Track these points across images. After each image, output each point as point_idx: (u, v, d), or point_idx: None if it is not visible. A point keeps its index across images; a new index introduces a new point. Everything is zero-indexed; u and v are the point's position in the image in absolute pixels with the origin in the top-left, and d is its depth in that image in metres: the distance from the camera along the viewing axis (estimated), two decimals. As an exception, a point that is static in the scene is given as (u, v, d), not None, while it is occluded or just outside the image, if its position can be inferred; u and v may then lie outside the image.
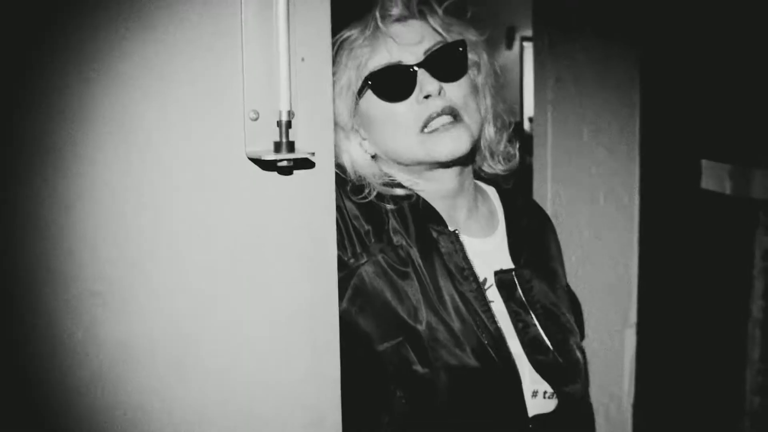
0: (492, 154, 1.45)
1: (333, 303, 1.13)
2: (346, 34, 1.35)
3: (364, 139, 1.38)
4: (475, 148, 1.38)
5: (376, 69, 1.31)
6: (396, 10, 1.33)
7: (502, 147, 1.46)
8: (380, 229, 1.30)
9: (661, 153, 2.08)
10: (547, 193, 2.46)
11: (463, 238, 1.35)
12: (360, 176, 1.35)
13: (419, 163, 1.34)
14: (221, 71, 1.00)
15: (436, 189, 1.38)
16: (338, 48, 1.35)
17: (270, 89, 1.02)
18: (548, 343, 1.34)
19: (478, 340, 1.26)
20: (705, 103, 1.89)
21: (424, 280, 1.28)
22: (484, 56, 1.42)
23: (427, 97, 1.30)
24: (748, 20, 1.73)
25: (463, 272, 1.31)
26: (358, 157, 1.37)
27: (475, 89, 1.38)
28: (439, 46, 1.33)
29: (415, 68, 1.30)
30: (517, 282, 1.36)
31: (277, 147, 1.00)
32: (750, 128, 1.72)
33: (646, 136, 2.13)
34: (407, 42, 1.31)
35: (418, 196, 1.36)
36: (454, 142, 1.29)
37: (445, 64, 1.32)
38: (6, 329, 0.92)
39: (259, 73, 1.02)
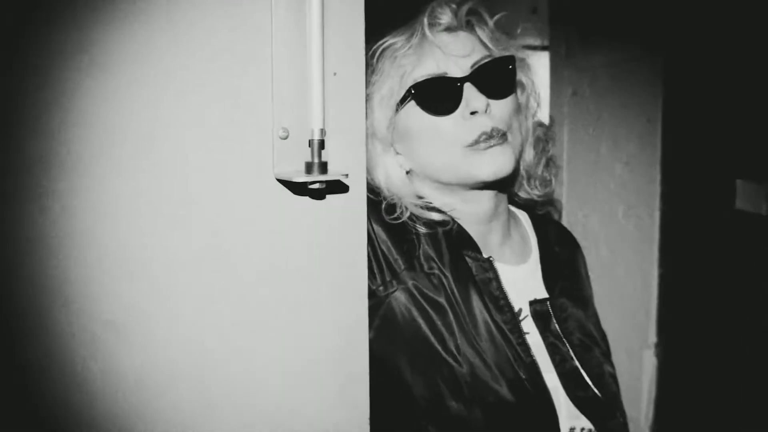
0: (529, 178, 1.39)
1: (363, 331, 1.05)
2: (389, 41, 1.27)
3: (398, 153, 1.30)
4: (515, 170, 1.31)
5: (421, 79, 1.23)
6: (445, 18, 1.25)
7: (539, 171, 1.39)
8: (411, 255, 1.22)
9: (690, 171, 2.00)
10: (562, 209, 2.39)
11: (498, 266, 1.27)
12: (393, 194, 1.28)
13: (458, 183, 1.27)
14: (249, 85, 0.93)
15: (472, 211, 1.30)
16: (380, 55, 1.27)
17: (301, 105, 0.95)
18: (586, 377, 1.26)
19: (514, 373, 1.18)
20: (734, 119, 1.82)
21: (459, 309, 1.20)
22: (530, 75, 1.35)
23: (473, 113, 1.22)
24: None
25: (498, 302, 1.23)
26: (393, 173, 1.29)
27: (518, 109, 1.31)
28: (487, 60, 1.25)
29: (462, 82, 1.23)
30: (552, 312, 1.29)
31: (309, 168, 0.93)
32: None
33: (669, 152, 2.06)
34: (455, 53, 1.24)
35: (452, 221, 1.29)
36: (498, 162, 1.22)
37: (493, 79, 1.24)
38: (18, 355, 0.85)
39: (289, 87, 0.94)
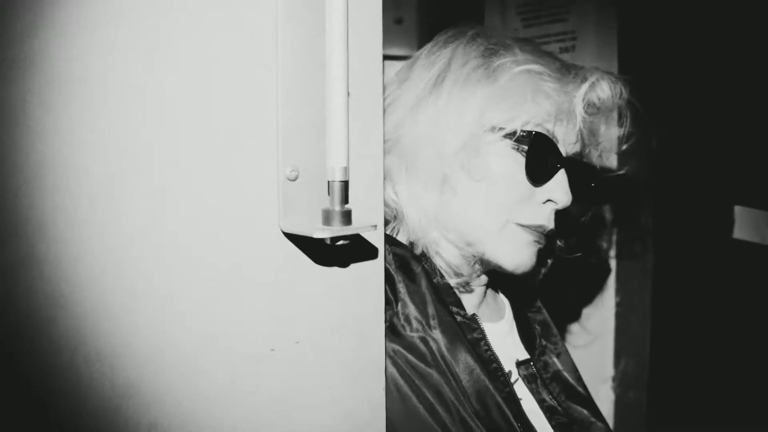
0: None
1: (380, 415, 0.83)
2: (533, 65, 1.06)
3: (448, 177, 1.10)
4: None
5: (545, 132, 1.05)
6: (603, 95, 1.08)
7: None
8: (390, 313, 1.01)
9: (679, 196, 1.87)
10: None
11: (483, 325, 1.10)
12: (420, 221, 1.08)
13: (469, 244, 1.09)
14: (246, 110, 0.70)
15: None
16: (517, 74, 1.06)
17: (316, 137, 0.72)
18: None
19: None
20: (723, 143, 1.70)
21: (451, 378, 1.00)
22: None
23: (548, 202, 1.06)
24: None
25: (490, 365, 1.06)
26: (431, 196, 1.08)
27: None
28: (584, 160, 1.13)
29: (563, 164, 1.07)
30: (540, 373, 1.16)
31: (328, 218, 0.70)
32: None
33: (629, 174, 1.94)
34: (581, 133, 1.09)
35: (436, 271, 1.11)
36: (528, 260, 1.08)
37: (577, 184, 1.10)
38: None
39: (300, 113, 0.71)
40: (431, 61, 1.10)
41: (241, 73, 0.69)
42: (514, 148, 1.04)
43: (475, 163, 1.04)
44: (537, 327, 1.25)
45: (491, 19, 2.23)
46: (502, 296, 1.27)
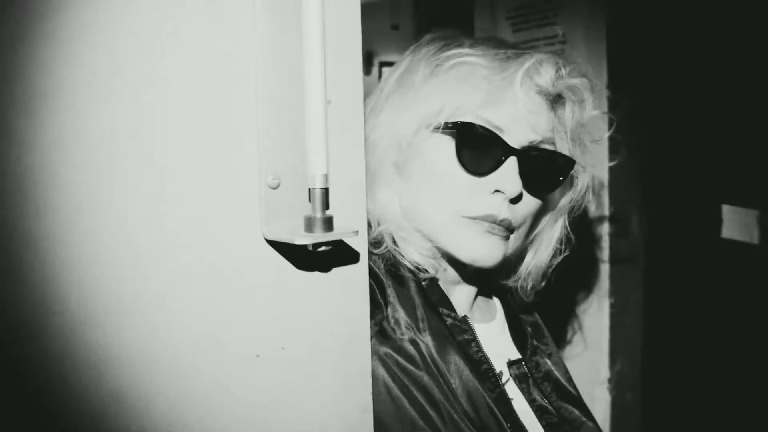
0: (528, 276, 1.23)
1: (368, 419, 0.84)
2: (466, 55, 1.06)
3: (400, 174, 1.12)
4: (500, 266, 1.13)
5: (478, 123, 1.04)
6: (543, 81, 1.06)
7: (541, 274, 1.24)
8: (379, 317, 1.03)
9: (668, 195, 1.87)
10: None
11: (475, 326, 1.11)
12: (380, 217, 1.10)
13: (428, 239, 1.10)
14: (227, 119, 0.71)
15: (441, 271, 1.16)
16: (450, 66, 1.06)
17: (297, 145, 0.73)
18: None
19: None
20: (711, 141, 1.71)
21: (443, 381, 1.01)
22: (584, 179, 1.18)
23: (497, 192, 1.05)
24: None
25: (480, 366, 1.07)
26: (387, 196, 1.11)
27: (544, 209, 1.16)
28: (548, 146, 1.08)
29: (509, 154, 1.05)
30: (531, 373, 1.17)
31: (310, 225, 0.71)
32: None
33: (617, 175, 1.95)
34: (526, 119, 1.05)
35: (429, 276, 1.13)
36: (485, 251, 1.06)
37: (541, 171, 1.08)
38: None
39: (279, 122, 0.72)
40: (393, 69, 1.14)
41: (220, 81, 0.69)
42: (447, 141, 1.05)
43: (409, 160, 1.07)
44: (528, 328, 1.26)
45: (481, 24, 2.24)
46: (495, 299, 1.28)
